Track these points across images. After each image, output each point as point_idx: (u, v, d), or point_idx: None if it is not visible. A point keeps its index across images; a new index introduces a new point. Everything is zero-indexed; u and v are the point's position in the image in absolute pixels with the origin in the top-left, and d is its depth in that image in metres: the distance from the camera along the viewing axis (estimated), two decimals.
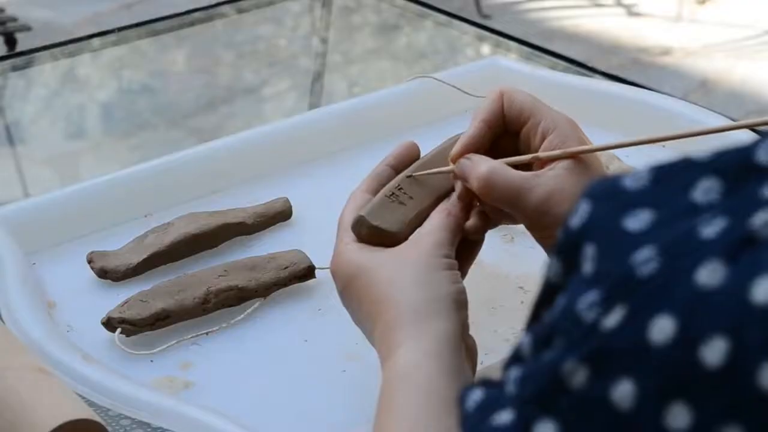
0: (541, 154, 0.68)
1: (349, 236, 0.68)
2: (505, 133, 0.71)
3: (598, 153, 0.70)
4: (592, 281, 0.36)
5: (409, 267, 0.64)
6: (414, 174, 0.71)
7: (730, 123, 0.64)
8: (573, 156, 0.67)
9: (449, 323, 0.62)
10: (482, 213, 0.70)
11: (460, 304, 0.63)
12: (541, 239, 0.68)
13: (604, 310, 0.35)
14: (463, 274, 0.68)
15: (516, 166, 0.68)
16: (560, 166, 0.67)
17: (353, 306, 0.67)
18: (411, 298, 0.62)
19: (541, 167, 0.68)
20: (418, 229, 0.67)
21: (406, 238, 0.67)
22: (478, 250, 0.72)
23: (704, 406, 0.33)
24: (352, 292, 0.66)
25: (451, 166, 0.70)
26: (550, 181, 0.66)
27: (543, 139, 0.69)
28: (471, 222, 0.69)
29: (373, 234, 0.67)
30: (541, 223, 0.67)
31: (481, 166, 0.67)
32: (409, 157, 0.73)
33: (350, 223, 0.68)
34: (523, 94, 0.71)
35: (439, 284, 0.63)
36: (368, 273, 0.65)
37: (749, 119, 0.65)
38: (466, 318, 0.64)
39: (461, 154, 0.69)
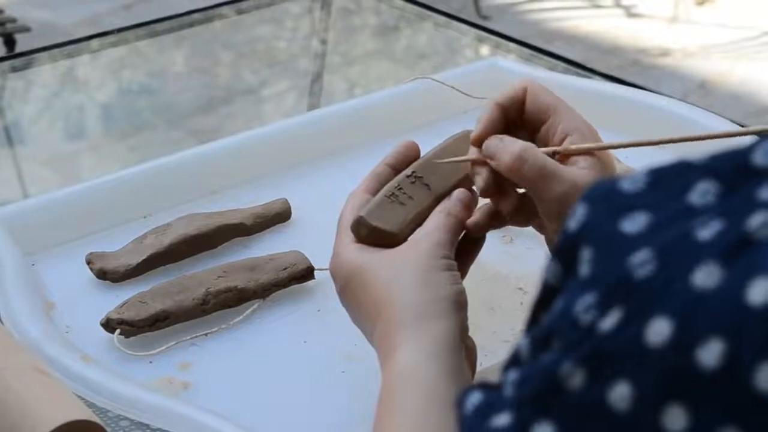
0: (572, 146, 0.68)
1: (349, 236, 0.68)
2: (521, 129, 0.71)
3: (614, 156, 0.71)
4: (589, 284, 0.36)
5: (408, 268, 0.64)
6: (435, 161, 0.71)
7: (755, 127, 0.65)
8: (595, 151, 0.68)
9: (449, 324, 0.62)
10: (487, 211, 0.70)
11: (459, 305, 0.63)
12: (554, 232, 0.68)
13: (601, 312, 0.35)
14: (463, 274, 0.68)
15: None
16: (587, 163, 0.67)
17: (352, 306, 0.67)
18: (410, 299, 0.62)
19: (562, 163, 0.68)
20: (417, 230, 0.67)
21: (405, 239, 0.67)
22: (478, 250, 0.71)
23: (701, 408, 0.33)
24: (351, 293, 0.66)
25: (467, 156, 0.70)
26: (577, 173, 0.67)
27: (563, 139, 0.69)
28: (474, 218, 0.69)
29: (372, 234, 0.67)
30: (559, 213, 0.67)
31: (515, 144, 0.68)
32: (409, 157, 0.73)
33: (350, 224, 0.68)
34: (548, 93, 0.71)
35: (439, 285, 0.63)
36: (367, 273, 0.65)
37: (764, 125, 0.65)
38: (465, 319, 0.64)
39: (482, 136, 0.70)
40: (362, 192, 0.70)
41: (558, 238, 0.39)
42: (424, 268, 0.64)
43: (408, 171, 0.71)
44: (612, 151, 0.89)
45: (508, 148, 0.68)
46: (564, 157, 0.68)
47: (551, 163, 0.67)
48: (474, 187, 0.71)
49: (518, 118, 0.71)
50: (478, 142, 0.70)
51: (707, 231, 0.34)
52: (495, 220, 0.70)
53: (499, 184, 0.69)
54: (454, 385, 0.58)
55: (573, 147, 0.68)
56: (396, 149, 0.73)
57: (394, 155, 0.72)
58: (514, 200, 0.70)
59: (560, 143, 0.69)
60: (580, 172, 0.67)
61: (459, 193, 0.70)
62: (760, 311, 0.32)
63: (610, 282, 0.36)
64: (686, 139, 0.68)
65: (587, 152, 0.68)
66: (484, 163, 0.69)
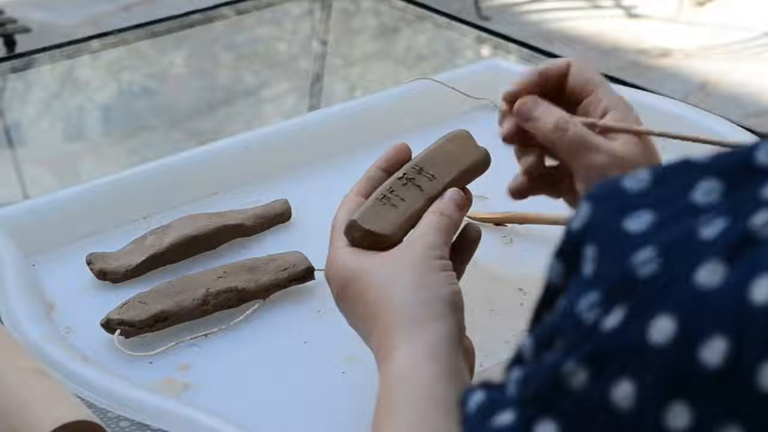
0: (613, 123, 0.70)
1: (343, 241, 0.67)
2: (561, 103, 0.73)
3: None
4: (593, 282, 0.36)
5: (403, 269, 0.64)
6: (473, 219, 0.73)
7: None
8: (637, 133, 0.69)
9: (445, 325, 0.61)
10: (524, 178, 0.73)
11: (455, 305, 0.63)
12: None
13: (604, 310, 0.35)
14: (459, 274, 0.68)
15: None
16: (627, 138, 0.69)
17: (349, 310, 0.67)
18: (406, 300, 0.62)
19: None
20: (411, 231, 0.67)
21: (399, 241, 0.67)
22: (474, 251, 0.71)
23: (704, 406, 0.33)
24: (348, 297, 0.66)
25: (502, 214, 0.73)
26: (617, 146, 0.69)
27: (603, 114, 0.71)
28: (515, 183, 0.73)
29: (366, 238, 0.67)
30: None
31: (556, 111, 0.70)
32: (400, 159, 0.72)
33: (343, 228, 0.68)
34: (593, 69, 0.73)
35: (434, 286, 0.63)
36: (363, 277, 0.65)
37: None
38: (462, 319, 0.63)
39: (516, 94, 0.72)
40: (355, 196, 0.70)
41: (561, 238, 0.39)
42: (420, 270, 0.64)
43: (399, 173, 0.71)
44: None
45: (551, 113, 0.70)
46: (602, 132, 0.70)
47: (590, 134, 0.69)
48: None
49: (555, 92, 0.73)
50: (512, 98, 0.72)
51: (711, 229, 0.34)
52: (533, 186, 0.73)
53: (522, 138, 0.73)
54: (452, 386, 0.58)
55: (614, 124, 0.69)
56: (387, 152, 0.73)
57: (385, 158, 0.72)
58: (534, 158, 0.73)
59: (601, 118, 0.71)
60: (621, 145, 0.69)
61: (451, 192, 0.70)
62: (764, 310, 0.32)
63: (613, 280, 0.36)
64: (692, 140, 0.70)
65: (625, 131, 0.69)
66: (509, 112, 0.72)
